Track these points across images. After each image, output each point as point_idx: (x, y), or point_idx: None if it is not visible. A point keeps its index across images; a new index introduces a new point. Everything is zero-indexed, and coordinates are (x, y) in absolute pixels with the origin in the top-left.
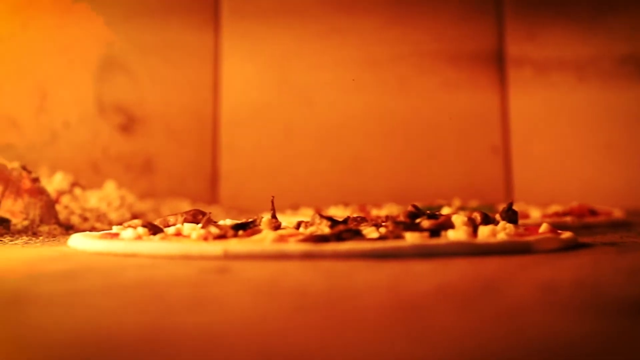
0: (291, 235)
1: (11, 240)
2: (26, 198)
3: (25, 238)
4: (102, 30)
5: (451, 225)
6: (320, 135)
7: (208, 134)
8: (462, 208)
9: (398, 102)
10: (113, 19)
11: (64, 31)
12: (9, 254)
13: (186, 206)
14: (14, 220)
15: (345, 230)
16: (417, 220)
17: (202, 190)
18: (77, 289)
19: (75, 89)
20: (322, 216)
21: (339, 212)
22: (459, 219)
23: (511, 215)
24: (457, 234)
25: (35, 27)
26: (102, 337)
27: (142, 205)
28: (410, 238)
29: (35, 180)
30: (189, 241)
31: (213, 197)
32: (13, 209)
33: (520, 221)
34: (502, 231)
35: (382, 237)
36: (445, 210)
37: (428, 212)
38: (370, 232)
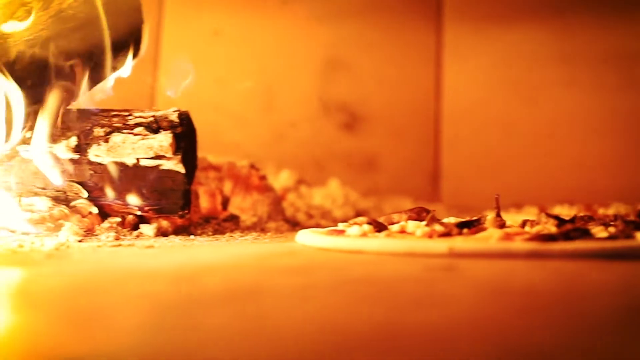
0: (517, 234)
1: (241, 236)
2: (255, 195)
3: (254, 234)
4: (326, 30)
5: None
6: (544, 133)
7: (429, 131)
8: None
9: (625, 99)
10: (337, 20)
11: (290, 32)
12: (240, 249)
13: (408, 204)
14: (243, 217)
15: (573, 229)
16: None
17: (423, 188)
18: (307, 284)
19: (300, 89)
20: (548, 215)
21: (564, 211)
22: None
23: None
24: None
25: (262, 29)
26: (333, 332)
27: (365, 203)
28: None
29: (263, 177)
30: (413, 239)
31: (434, 195)
32: (242, 205)
33: None
34: None
35: (611, 237)
36: None
37: None
38: (599, 231)
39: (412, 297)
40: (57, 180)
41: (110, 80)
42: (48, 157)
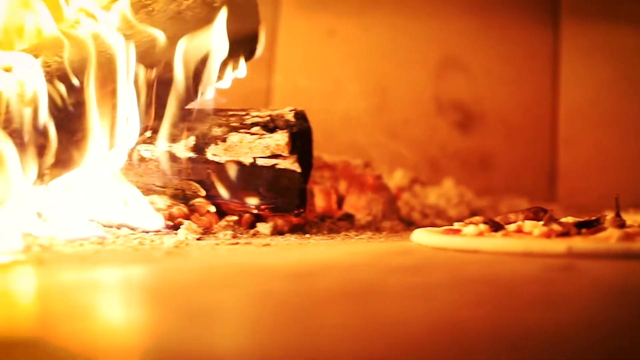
0: (638, 234)
1: (356, 235)
2: (369, 194)
3: (369, 233)
4: (439, 29)
5: None
6: None
7: (546, 130)
8: None
9: None
10: (451, 18)
11: (403, 31)
12: (356, 248)
13: (523, 203)
14: (358, 216)
15: None
16: None
17: (539, 188)
18: (423, 283)
19: (413, 87)
20: None
21: None
22: None
23: None
24: None
25: (376, 28)
26: (449, 331)
27: (480, 202)
28: None
29: (378, 177)
30: (531, 238)
31: (551, 195)
32: (357, 204)
33: None
34: None
35: None
36: None
37: None
38: None
39: (530, 298)
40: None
41: (227, 80)
42: (167, 155)
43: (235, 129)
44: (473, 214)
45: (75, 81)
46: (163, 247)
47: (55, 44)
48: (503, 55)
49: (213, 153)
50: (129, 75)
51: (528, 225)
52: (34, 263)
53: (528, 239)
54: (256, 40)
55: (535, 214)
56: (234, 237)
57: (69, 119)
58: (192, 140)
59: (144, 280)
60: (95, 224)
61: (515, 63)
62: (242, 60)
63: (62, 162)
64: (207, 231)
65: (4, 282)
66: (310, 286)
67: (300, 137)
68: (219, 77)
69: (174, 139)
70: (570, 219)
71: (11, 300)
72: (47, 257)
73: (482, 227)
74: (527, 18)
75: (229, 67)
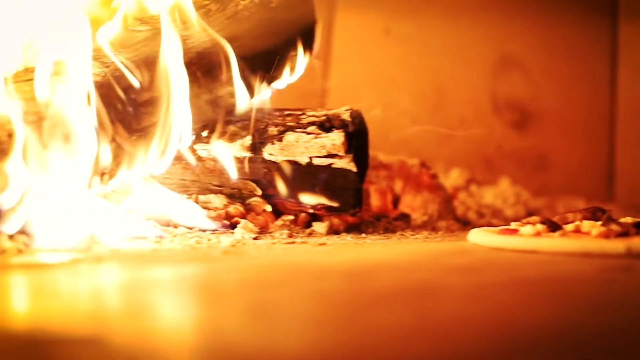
0: None
1: (412, 235)
2: (425, 194)
3: (425, 233)
4: (496, 27)
5: None
6: None
7: (604, 130)
8: None
9: None
10: (508, 17)
11: (460, 30)
12: (412, 248)
13: (580, 203)
14: (413, 215)
15: None
16: None
17: (597, 188)
18: (480, 283)
19: (470, 87)
20: None
21: None
22: None
23: None
24: None
25: (432, 27)
26: (507, 331)
27: (537, 202)
28: None
29: (434, 176)
30: (589, 238)
31: (609, 195)
32: (413, 204)
33: None
34: None
35: None
36: None
37: None
38: None
39: (588, 298)
40: (234, 176)
41: (284, 80)
42: (226, 154)
43: (291, 129)
44: (530, 213)
45: (133, 82)
46: (220, 246)
47: (113, 44)
48: (561, 54)
49: (269, 152)
50: (185, 75)
51: (586, 225)
52: (93, 261)
53: (586, 239)
54: (312, 39)
55: (594, 214)
56: (290, 236)
57: (126, 119)
58: (248, 140)
59: (201, 279)
60: (153, 223)
61: (573, 62)
62: (298, 59)
63: (121, 161)
64: (263, 230)
65: (63, 280)
66: (366, 285)
67: (356, 137)
68: (276, 77)
69: (230, 138)
70: (629, 219)
71: (70, 298)
72: (106, 255)
73: (540, 227)
74: (586, 17)
75: (286, 67)
